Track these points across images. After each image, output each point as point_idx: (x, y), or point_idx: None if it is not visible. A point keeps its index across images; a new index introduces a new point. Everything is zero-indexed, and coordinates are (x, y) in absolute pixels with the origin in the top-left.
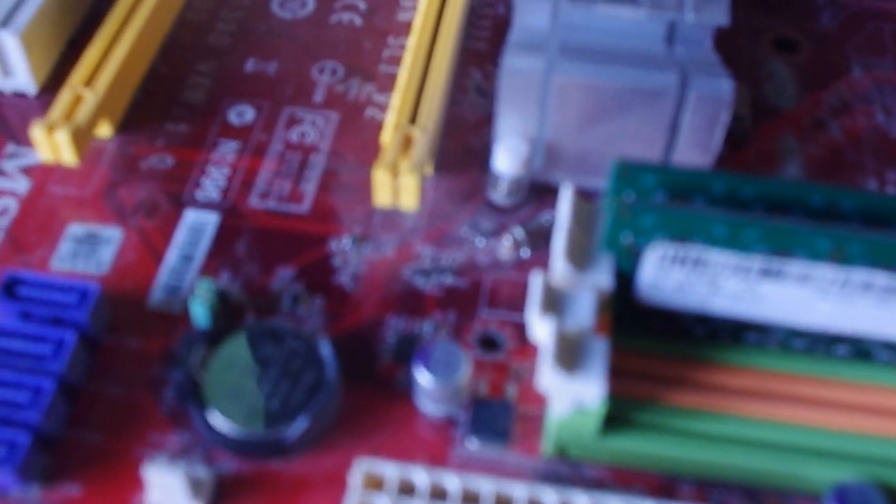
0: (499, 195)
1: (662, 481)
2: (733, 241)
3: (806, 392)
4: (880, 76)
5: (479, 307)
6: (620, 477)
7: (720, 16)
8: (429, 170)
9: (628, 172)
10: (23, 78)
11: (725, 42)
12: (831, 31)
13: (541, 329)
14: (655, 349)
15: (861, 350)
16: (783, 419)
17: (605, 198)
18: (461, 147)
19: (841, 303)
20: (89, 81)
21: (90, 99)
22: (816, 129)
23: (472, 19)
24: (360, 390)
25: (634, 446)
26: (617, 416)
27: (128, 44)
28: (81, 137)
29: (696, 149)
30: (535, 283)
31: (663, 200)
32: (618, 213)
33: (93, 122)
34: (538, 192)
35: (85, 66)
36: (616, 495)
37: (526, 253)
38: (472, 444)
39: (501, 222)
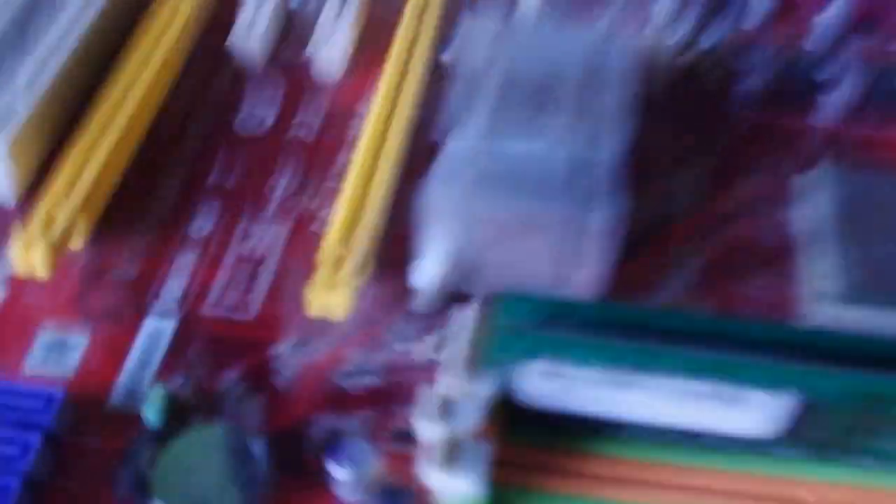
0: (420, 304)
1: None
2: (592, 359)
3: (662, 477)
4: (768, 190)
5: (397, 405)
6: None
7: (614, 150)
8: (362, 281)
9: (509, 303)
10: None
11: (640, 160)
12: (730, 145)
13: (427, 431)
14: (542, 443)
15: (708, 444)
16: (635, 500)
17: (487, 324)
18: (396, 257)
19: (679, 406)
20: (64, 197)
21: (64, 217)
22: (705, 238)
23: (412, 143)
24: (290, 480)
25: None
26: (505, 499)
27: (100, 161)
28: (56, 252)
29: (591, 268)
30: (426, 393)
31: (536, 326)
32: (496, 336)
33: (66, 237)
34: (458, 301)
35: (60, 182)
36: None
37: (441, 355)
38: None
39: (422, 328)
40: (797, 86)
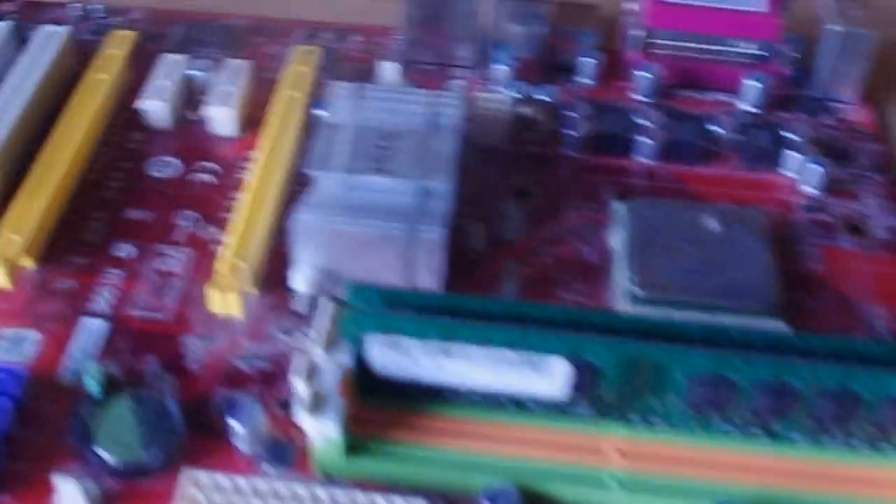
0: (298, 306)
1: (394, 492)
2: (417, 332)
3: (487, 431)
4: (587, 216)
5: (281, 381)
6: (364, 488)
7: (444, 183)
8: (251, 287)
9: (356, 290)
10: None
11: (478, 191)
12: (559, 182)
13: (300, 389)
14: (391, 406)
15: (519, 402)
16: (466, 447)
17: (341, 308)
18: (279, 269)
19: (492, 371)
20: (17, 230)
21: (18, 243)
22: (532, 255)
23: (291, 179)
24: (198, 435)
25: (374, 468)
26: (361, 449)
27: (45, 200)
28: (13, 270)
29: (428, 276)
30: (299, 361)
31: (377, 308)
32: (345, 314)
33: (18, 259)
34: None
35: (13, 218)
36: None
37: (310, 333)
38: (269, 470)
39: (300, 323)
40: (617, 132)
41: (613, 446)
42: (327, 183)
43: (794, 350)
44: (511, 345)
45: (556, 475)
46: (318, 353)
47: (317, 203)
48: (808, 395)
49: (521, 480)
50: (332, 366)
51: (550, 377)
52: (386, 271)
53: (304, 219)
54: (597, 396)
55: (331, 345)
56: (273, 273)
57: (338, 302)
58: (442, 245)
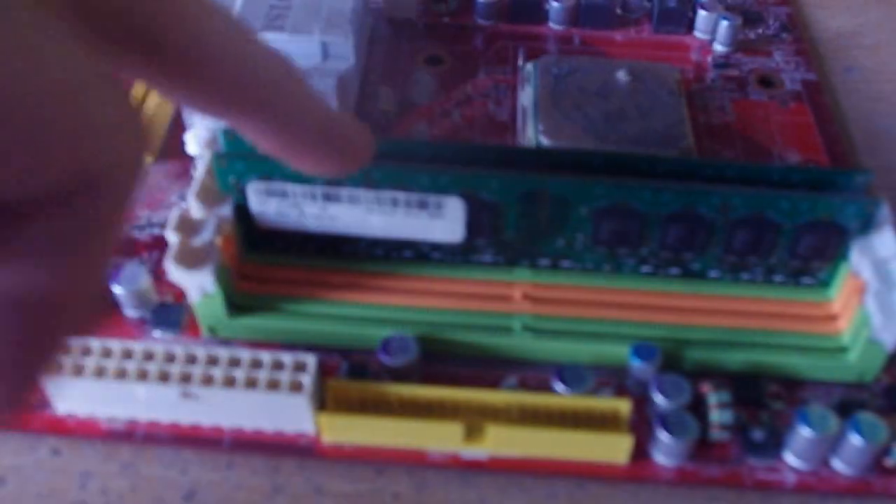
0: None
1: (285, 349)
2: (299, 176)
3: (382, 283)
4: (499, 78)
5: None
6: (254, 346)
7: (342, 36)
8: (149, 158)
9: (233, 136)
10: None
11: (389, 59)
12: (470, 49)
13: (171, 240)
14: (281, 261)
15: (419, 252)
16: (363, 301)
17: (218, 155)
18: (179, 141)
19: (384, 215)
20: None
21: None
22: (443, 117)
23: None
24: None
25: (265, 325)
26: (249, 306)
27: None
28: None
29: None
30: (173, 214)
31: (257, 154)
32: (220, 162)
33: None
34: None
35: None
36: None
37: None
38: (156, 333)
39: None
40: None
41: (519, 291)
42: None
43: (704, 177)
44: (400, 185)
45: (458, 325)
46: (193, 206)
47: None
48: (721, 225)
49: (422, 332)
50: (209, 218)
51: (445, 219)
52: None
53: None
54: (499, 241)
55: (207, 196)
56: (175, 142)
57: (217, 147)
58: (335, 95)
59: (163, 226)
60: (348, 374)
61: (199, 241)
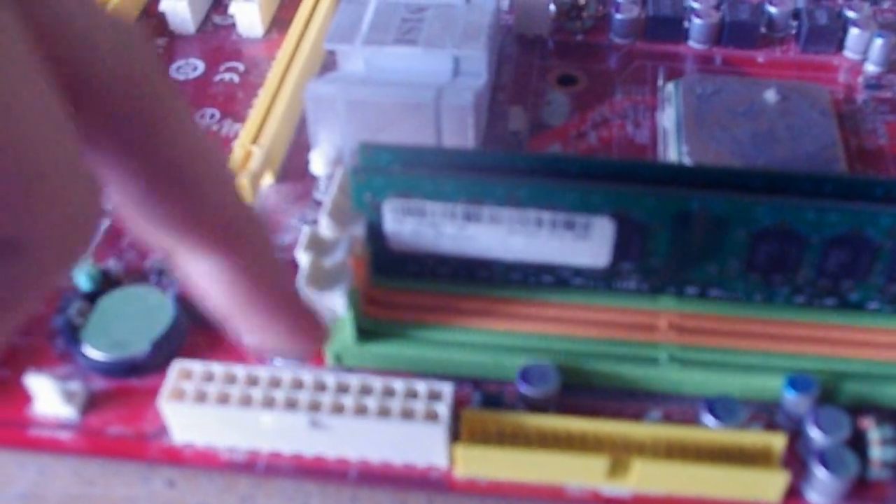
0: (320, 192)
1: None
2: (439, 193)
3: (519, 310)
4: (637, 98)
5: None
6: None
7: (477, 51)
8: (270, 178)
9: (370, 151)
10: None
11: (519, 78)
12: (605, 68)
13: (302, 260)
14: (411, 286)
15: (559, 277)
16: (498, 328)
17: (353, 172)
18: (301, 162)
19: (526, 237)
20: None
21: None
22: (578, 139)
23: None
24: (199, 330)
25: (388, 352)
26: (377, 332)
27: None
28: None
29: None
30: (304, 232)
31: (396, 169)
32: (358, 177)
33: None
34: None
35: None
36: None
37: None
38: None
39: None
40: (668, 16)
41: (665, 321)
42: (349, 58)
43: (874, 198)
44: (547, 203)
45: (600, 354)
46: (325, 225)
47: (334, 76)
48: (889, 251)
49: (561, 361)
50: (342, 237)
51: (591, 241)
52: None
53: (318, 90)
54: (645, 266)
55: (340, 215)
56: (296, 163)
57: (350, 168)
58: (472, 112)
59: (285, 250)
60: (482, 405)
61: (331, 261)
